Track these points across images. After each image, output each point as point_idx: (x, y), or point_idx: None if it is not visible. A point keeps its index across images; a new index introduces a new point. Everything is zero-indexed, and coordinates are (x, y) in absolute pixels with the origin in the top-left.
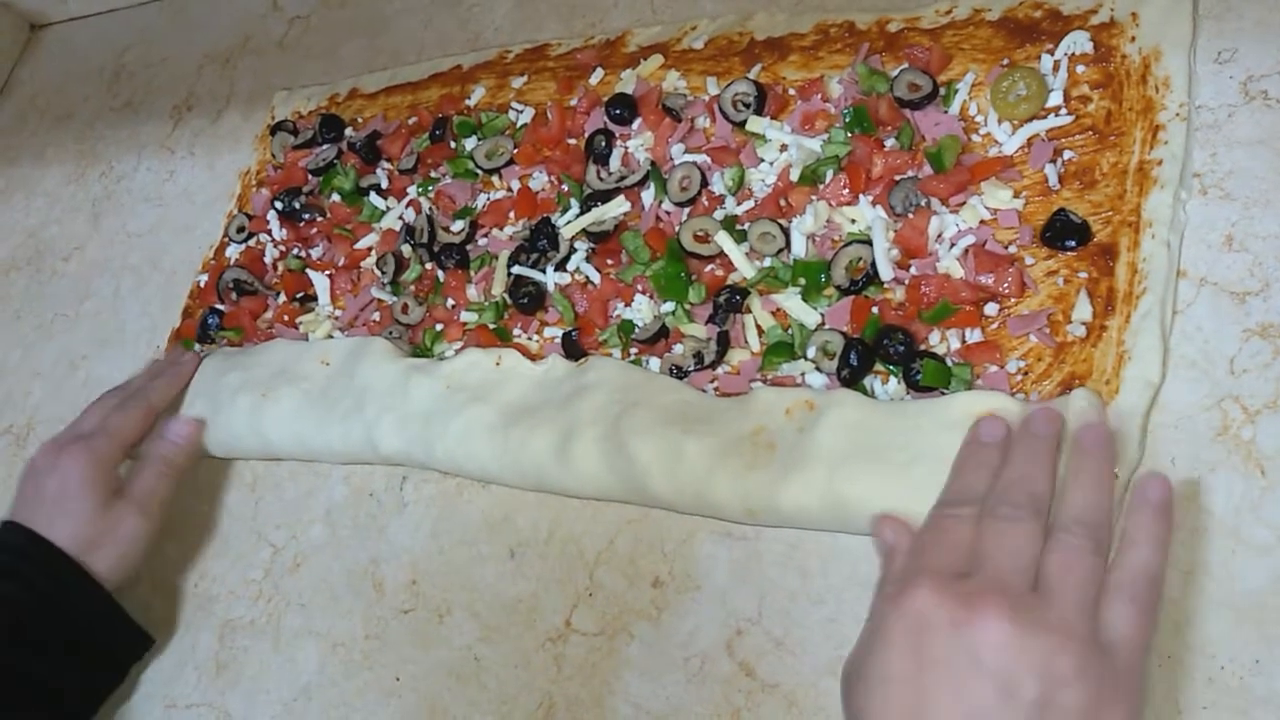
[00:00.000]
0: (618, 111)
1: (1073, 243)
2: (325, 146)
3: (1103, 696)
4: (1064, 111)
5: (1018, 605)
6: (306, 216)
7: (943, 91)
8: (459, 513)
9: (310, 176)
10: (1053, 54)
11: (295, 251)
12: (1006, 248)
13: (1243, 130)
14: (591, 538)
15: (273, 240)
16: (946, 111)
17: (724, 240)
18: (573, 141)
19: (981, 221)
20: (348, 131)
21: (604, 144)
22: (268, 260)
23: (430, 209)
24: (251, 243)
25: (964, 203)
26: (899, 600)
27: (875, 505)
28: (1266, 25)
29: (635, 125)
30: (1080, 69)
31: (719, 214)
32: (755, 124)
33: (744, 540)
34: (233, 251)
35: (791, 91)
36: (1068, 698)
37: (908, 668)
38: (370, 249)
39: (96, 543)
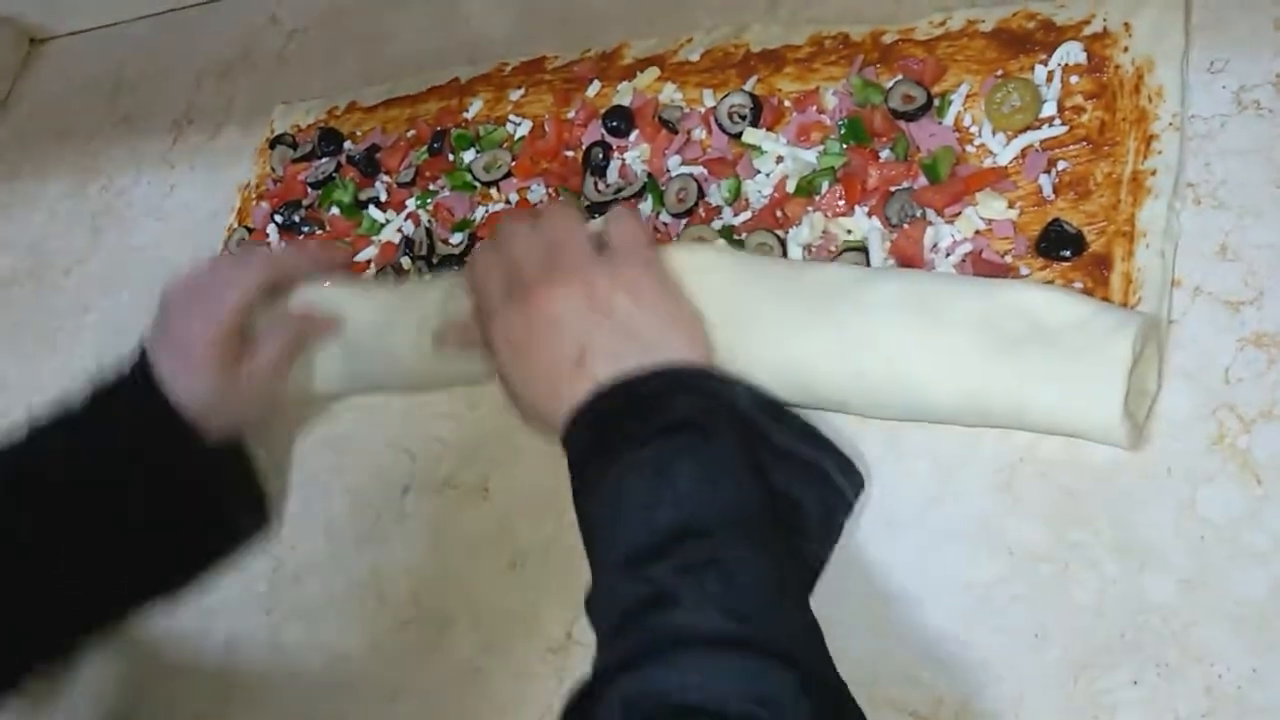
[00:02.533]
0: (615, 124)
1: (1067, 253)
2: (324, 160)
3: (633, 284)
4: (1058, 122)
5: (551, 280)
6: (306, 230)
7: (937, 103)
8: (459, 524)
9: (310, 190)
10: (1046, 65)
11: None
12: (1002, 258)
13: (1236, 140)
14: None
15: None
16: (941, 123)
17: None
18: (570, 154)
19: (977, 232)
20: (346, 145)
21: (601, 156)
22: None
23: (429, 221)
24: None
25: (959, 213)
26: (491, 333)
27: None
28: (1258, 35)
29: (632, 137)
30: (1074, 79)
31: (716, 224)
32: (751, 136)
33: None
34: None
35: (787, 103)
36: (620, 298)
37: (523, 366)
38: (369, 261)
39: (211, 404)
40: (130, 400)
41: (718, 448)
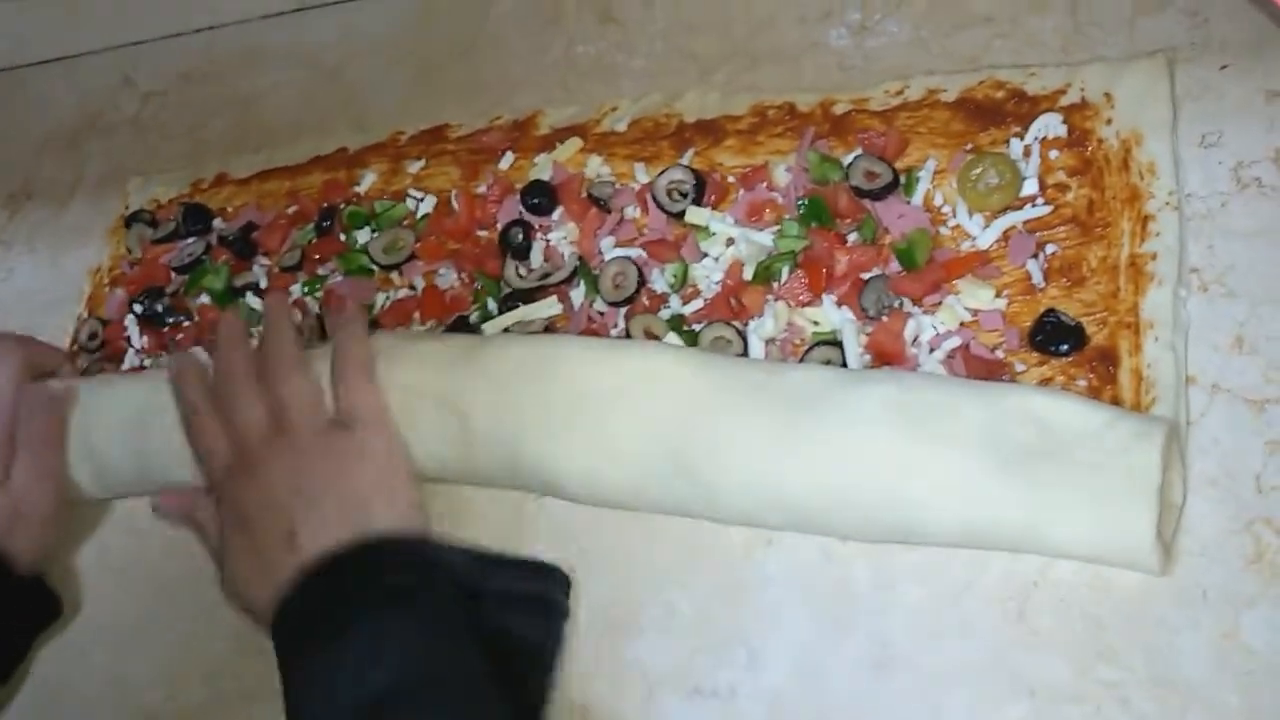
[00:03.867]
0: (535, 200)
1: (1066, 347)
2: (191, 240)
3: (356, 454)
4: (1041, 201)
5: (270, 445)
6: (171, 321)
7: (903, 180)
8: None
9: (174, 274)
10: (1022, 138)
11: (163, 361)
12: (993, 352)
13: (1239, 221)
14: None
15: (133, 348)
16: (910, 202)
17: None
18: (483, 233)
19: (962, 324)
20: (216, 222)
21: (521, 237)
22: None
23: (320, 310)
24: (106, 352)
25: (940, 303)
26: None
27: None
28: (1249, 106)
29: (556, 215)
30: (1054, 154)
31: (664, 314)
32: (695, 215)
33: (715, 697)
34: (84, 362)
35: (731, 179)
36: (328, 464)
37: (239, 546)
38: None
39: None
40: None
41: (435, 609)
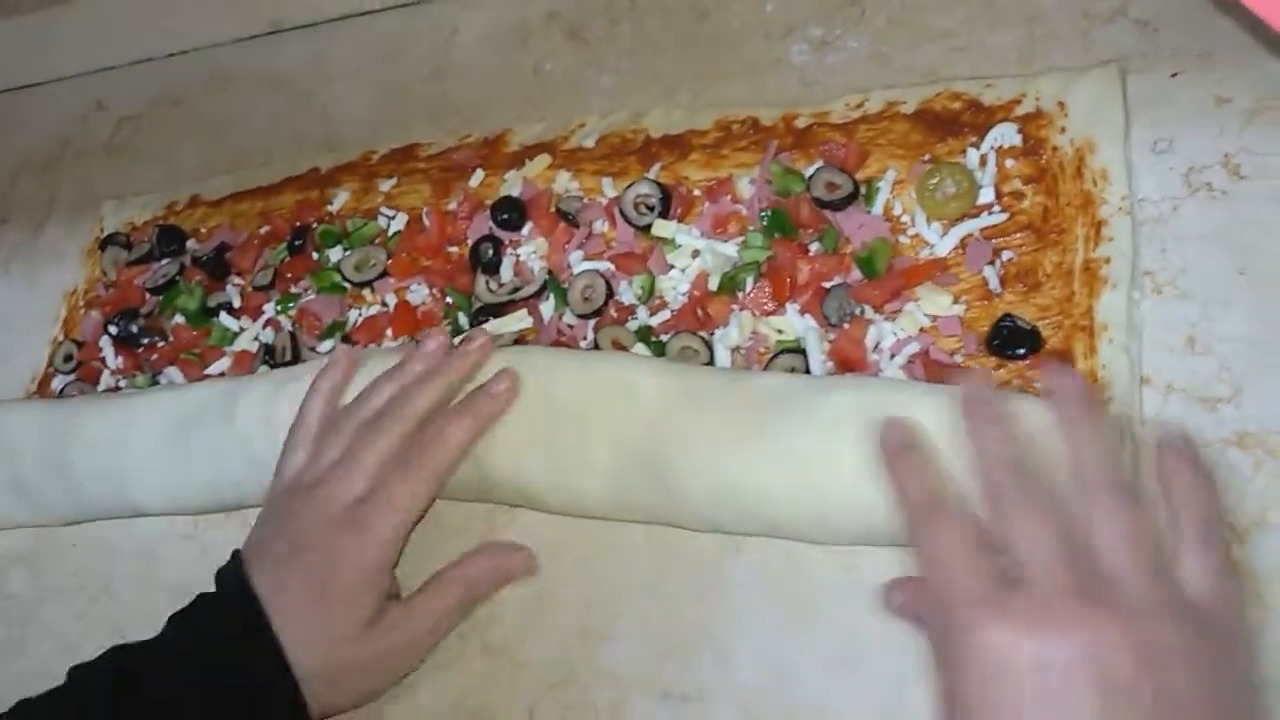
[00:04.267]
0: (505, 216)
1: (1022, 350)
2: (165, 261)
3: (1214, 655)
4: (997, 209)
5: (1087, 595)
6: (146, 341)
7: (863, 190)
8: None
9: (149, 295)
10: (978, 148)
11: (138, 381)
12: (951, 357)
13: (1191, 225)
14: (507, 709)
15: (108, 369)
16: (870, 212)
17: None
18: (454, 249)
19: (921, 329)
20: (190, 244)
21: (492, 252)
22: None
23: (293, 327)
24: (81, 373)
25: (900, 310)
26: (961, 643)
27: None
28: (1200, 112)
29: (525, 231)
30: (1010, 163)
31: (631, 325)
32: (661, 228)
33: (687, 701)
34: (59, 384)
35: (697, 193)
36: (1178, 673)
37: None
38: (223, 375)
39: (335, 679)
40: (246, 664)
41: None
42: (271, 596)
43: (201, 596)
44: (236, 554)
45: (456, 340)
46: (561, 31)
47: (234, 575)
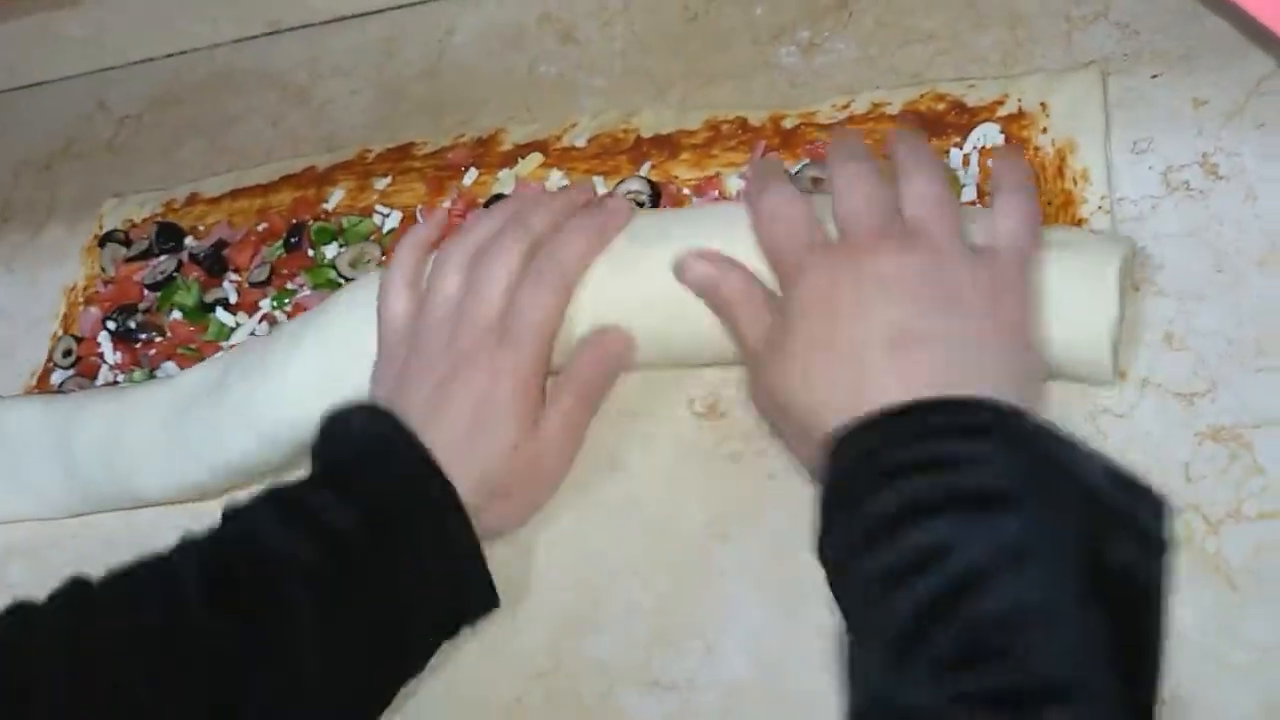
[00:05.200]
0: None
1: None
2: (163, 258)
3: (995, 287)
4: (979, 207)
5: (894, 238)
6: (144, 337)
7: None
8: None
9: (147, 292)
10: (962, 148)
11: (135, 376)
12: None
13: (1169, 223)
14: (496, 693)
15: (107, 364)
16: None
17: None
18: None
19: None
20: (188, 241)
21: None
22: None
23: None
24: (80, 368)
25: None
26: (795, 283)
27: None
28: (1179, 113)
29: None
30: (992, 162)
31: None
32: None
33: (674, 690)
34: (59, 379)
35: (686, 191)
36: (969, 295)
37: (823, 327)
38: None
39: (503, 491)
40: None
41: (1050, 542)
42: (425, 431)
43: (331, 448)
44: (352, 407)
45: None
46: (555, 32)
47: (372, 414)
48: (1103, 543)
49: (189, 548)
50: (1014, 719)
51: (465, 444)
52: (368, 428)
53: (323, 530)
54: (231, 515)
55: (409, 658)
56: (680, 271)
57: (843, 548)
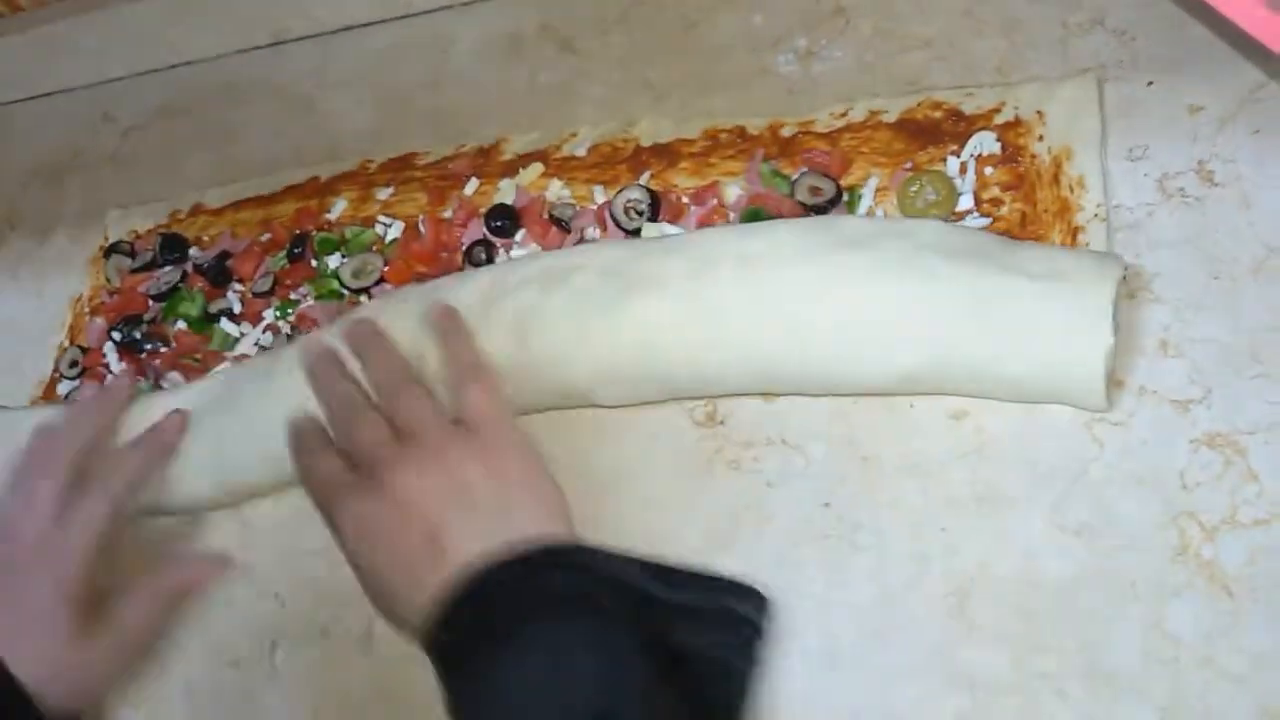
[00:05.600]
0: (499, 223)
1: None
2: (168, 269)
3: (489, 456)
4: (976, 215)
5: (402, 448)
6: (149, 347)
7: (846, 197)
8: (339, 681)
9: (152, 302)
10: (959, 155)
11: (141, 385)
12: None
13: (1165, 230)
14: None
15: (112, 375)
16: None
17: None
18: (447, 255)
19: None
20: (192, 251)
21: (485, 255)
22: None
23: (292, 332)
24: (85, 379)
25: None
26: (336, 520)
27: None
28: (1174, 120)
29: (519, 236)
30: (989, 170)
31: None
32: (650, 231)
33: None
34: (65, 389)
35: (685, 199)
36: (473, 483)
37: (375, 561)
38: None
39: (58, 676)
40: None
41: (611, 623)
42: None
43: None
44: None
45: None
46: (554, 42)
47: None
48: (664, 632)
49: None
50: None
51: (14, 644)
52: None
53: None
54: None
55: None
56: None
57: (469, 689)
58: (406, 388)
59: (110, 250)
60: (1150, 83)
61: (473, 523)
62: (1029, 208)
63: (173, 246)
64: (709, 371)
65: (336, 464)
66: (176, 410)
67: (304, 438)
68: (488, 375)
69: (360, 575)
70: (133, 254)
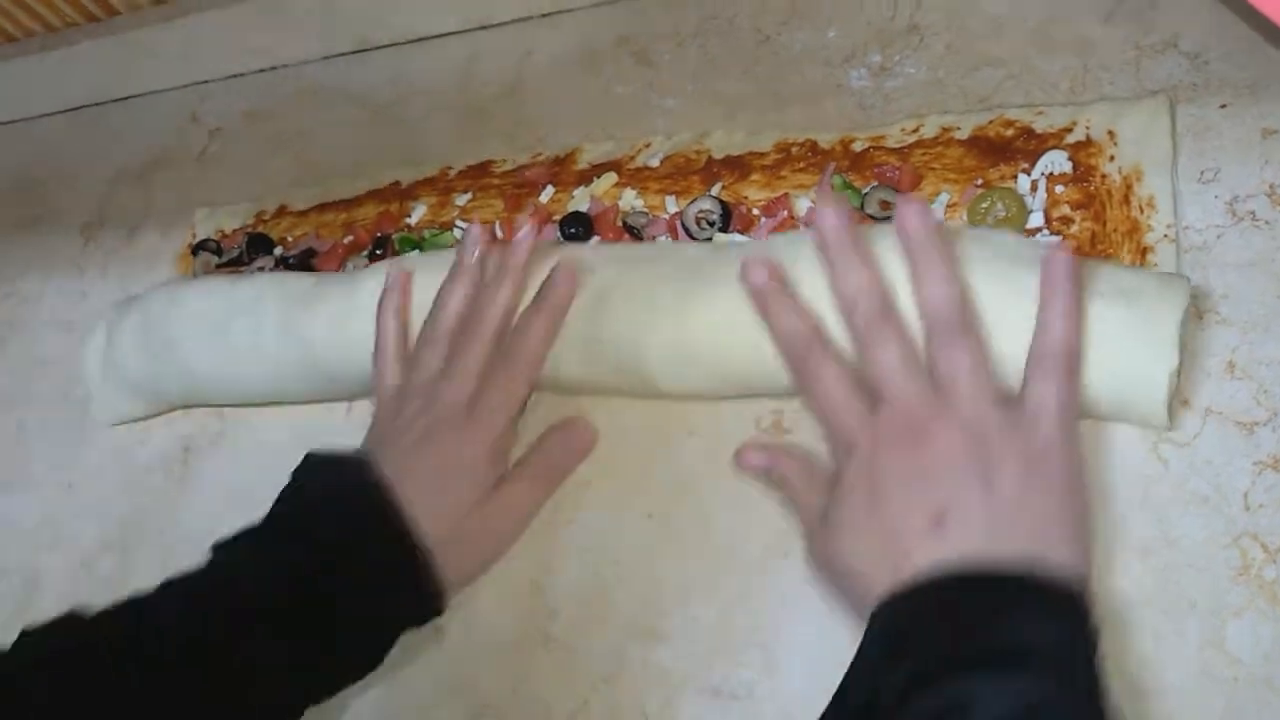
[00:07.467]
0: (573, 230)
1: None
2: (256, 264)
3: (1034, 452)
4: (1046, 233)
5: (945, 415)
6: None
7: None
8: (408, 674)
9: None
10: (1029, 174)
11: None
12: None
13: (1233, 252)
14: (561, 700)
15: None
16: None
17: None
18: None
19: None
20: (277, 250)
21: None
22: None
23: None
24: None
25: None
26: (845, 462)
27: None
28: (1246, 143)
29: (592, 243)
30: (1059, 189)
31: None
32: (721, 241)
33: (735, 700)
34: None
35: (755, 211)
36: (1009, 466)
37: (867, 506)
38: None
39: (456, 540)
40: (376, 547)
41: (1070, 702)
42: (398, 479)
43: (303, 487)
44: (333, 456)
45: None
46: (630, 54)
47: (353, 464)
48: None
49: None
50: None
51: (432, 494)
52: (343, 474)
53: (291, 564)
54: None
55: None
56: (740, 459)
57: (880, 709)
58: (961, 334)
59: (198, 248)
60: (1223, 105)
61: (985, 520)
62: (1099, 227)
63: (258, 245)
64: (776, 367)
65: (847, 386)
66: (560, 262)
67: (804, 343)
68: (1067, 365)
69: (830, 526)
70: (219, 251)
